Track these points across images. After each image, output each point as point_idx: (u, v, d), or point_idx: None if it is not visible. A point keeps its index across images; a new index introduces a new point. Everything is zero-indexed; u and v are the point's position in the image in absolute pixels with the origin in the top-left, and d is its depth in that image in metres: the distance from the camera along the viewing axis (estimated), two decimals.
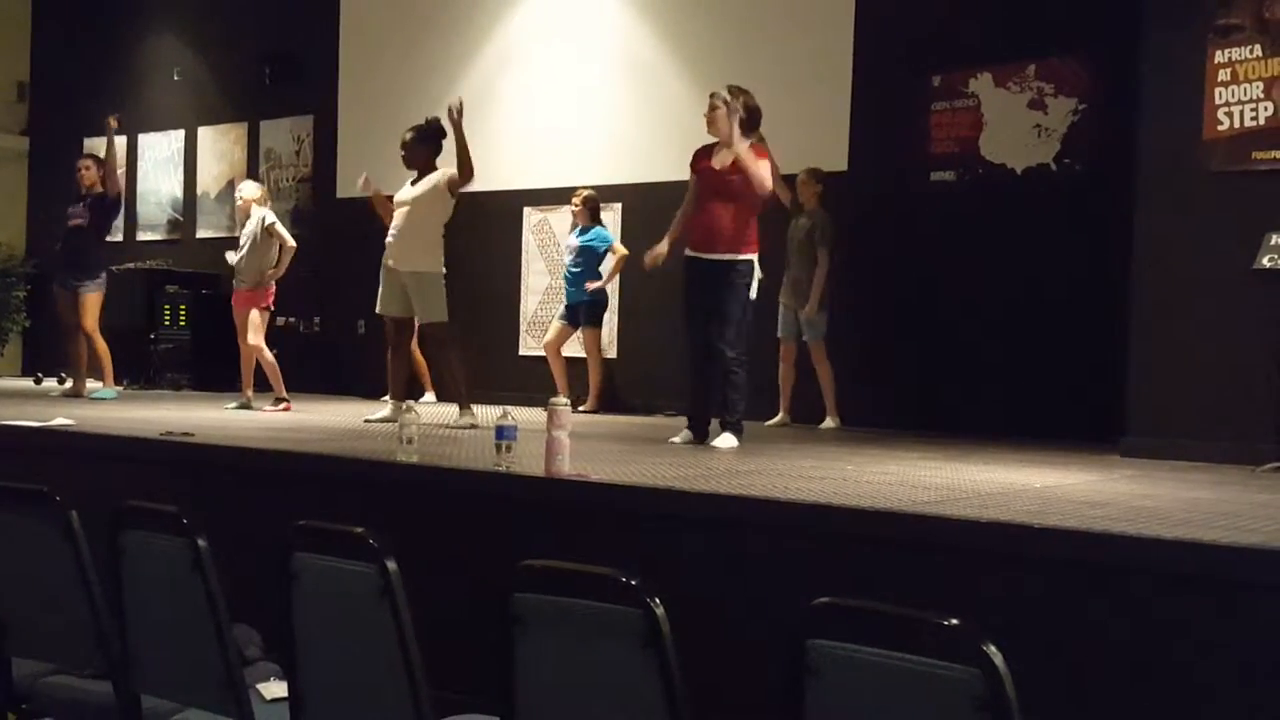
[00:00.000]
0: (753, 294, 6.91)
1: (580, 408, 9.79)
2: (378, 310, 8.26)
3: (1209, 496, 4.91)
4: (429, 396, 10.80)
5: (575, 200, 10.32)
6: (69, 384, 10.51)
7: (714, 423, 6.96)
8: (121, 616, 3.22)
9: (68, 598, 3.28)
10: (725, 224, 6.82)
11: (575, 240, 10.28)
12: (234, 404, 9.14)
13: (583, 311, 10.22)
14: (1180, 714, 3.25)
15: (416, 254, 7.95)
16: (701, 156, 7.05)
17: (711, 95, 6.99)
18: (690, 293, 7.00)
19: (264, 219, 9.25)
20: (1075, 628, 3.40)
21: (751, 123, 6.96)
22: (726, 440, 6.76)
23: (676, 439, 6.95)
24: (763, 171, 6.79)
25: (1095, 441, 7.47)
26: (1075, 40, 8.88)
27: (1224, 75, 7.07)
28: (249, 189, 9.66)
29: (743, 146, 6.81)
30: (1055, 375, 8.67)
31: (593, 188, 10.42)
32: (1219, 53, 7.09)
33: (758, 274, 6.91)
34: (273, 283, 9.28)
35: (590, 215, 10.26)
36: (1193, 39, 7.16)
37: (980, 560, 3.60)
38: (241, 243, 9.41)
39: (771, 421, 9.16)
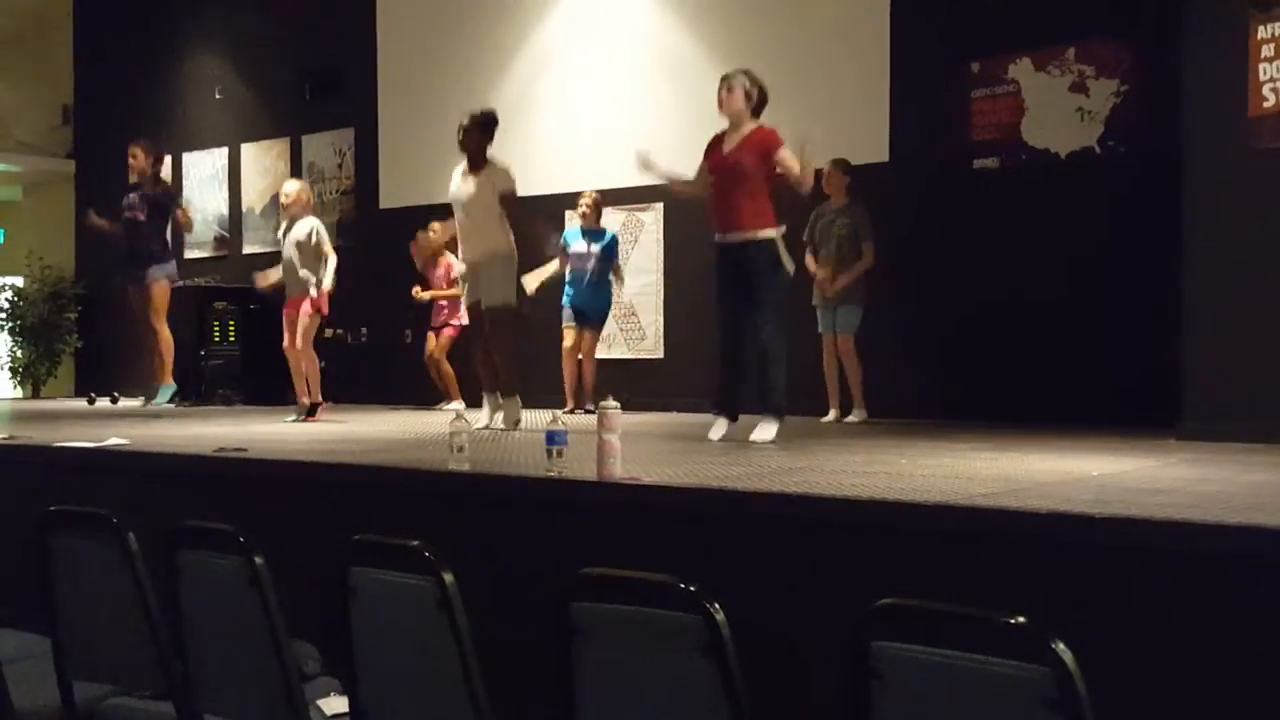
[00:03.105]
0: (788, 266, 6.94)
1: (587, 408, 9.78)
2: (465, 302, 8.44)
3: (1274, 479, 4.83)
4: (457, 404, 10.83)
5: (585, 202, 10.23)
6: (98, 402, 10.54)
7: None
8: (181, 636, 3.24)
9: (127, 619, 3.29)
10: (742, 205, 6.86)
11: (595, 247, 10.18)
12: (291, 417, 9.14)
13: (592, 315, 10.19)
14: (1260, 707, 3.19)
15: (485, 238, 8.06)
16: (712, 146, 7.09)
17: (725, 76, 7.05)
18: (720, 278, 7.05)
19: (313, 232, 9.10)
20: (1144, 620, 3.35)
21: (761, 103, 7.01)
22: (764, 430, 6.77)
23: (714, 435, 6.93)
24: (800, 170, 6.84)
25: (1149, 426, 7.37)
26: (1114, 22, 8.79)
27: (1267, 51, 6.97)
28: (292, 186, 9.42)
29: (786, 154, 6.83)
30: (1106, 360, 8.58)
31: (632, 189, 10.40)
32: (1261, 28, 6.99)
33: (784, 250, 6.90)
34: (326, 287, 9.14)
35: (599, 217, 10.25)
36: (1234, 15, 7.07)
37: (1044, 552, 3.55)
38: (285, 251, 9.18)
39: (826, 419, 9.10)
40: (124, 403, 11.37)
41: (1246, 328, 6.96)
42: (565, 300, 10.31)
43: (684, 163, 7.37)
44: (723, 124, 7.09)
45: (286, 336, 9.11)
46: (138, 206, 10.01)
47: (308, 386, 9.10)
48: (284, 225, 9.26)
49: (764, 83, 7.05)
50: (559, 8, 11.82)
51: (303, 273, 9.00)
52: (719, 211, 7.00)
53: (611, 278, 10.24)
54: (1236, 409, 6.89)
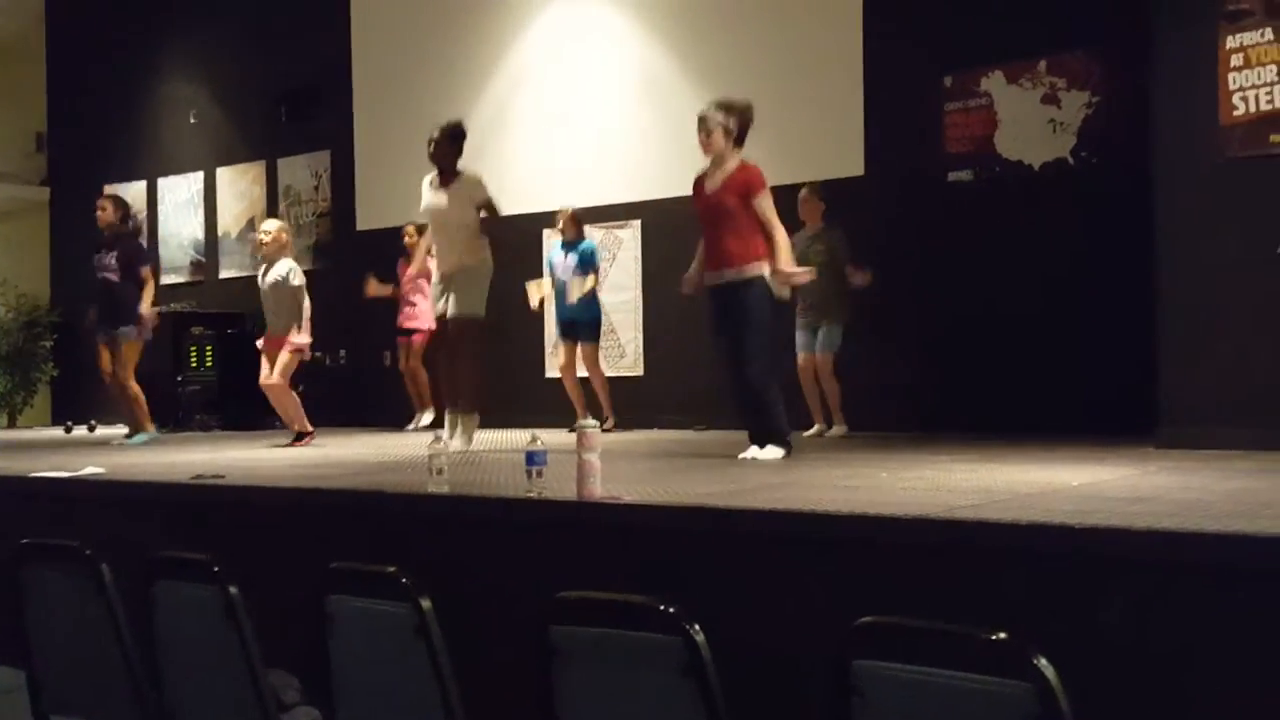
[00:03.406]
0: (781, 295, 6.88)
1: (604, 428, 9.73)
2: (435, 312, 8.39)
3: (1252, 486, 4.83)
4: (428, 415, 10.82)
5: (561, 219, 10.20)
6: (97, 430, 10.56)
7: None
8: (156, 668, 3.21)
9: (102, 652, 3.26)
10: (729, 245, 6.80)
11: (571, 260, 10.15)
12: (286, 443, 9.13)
13: (581, 328, 10.14)
14: (1239, 716, 3.18)
15: (464, 253, 8.08)
16: (697, 185, 7.04)
17: (701, 119, 6.90)
18: (712, 313, 6.99)
19: (290, 275, 9.09)
20: (1126, 630, 3.34)
21: (742, 130, 6.90)
22: (770, 451, 6.71)
23: (741, 455, 6.81)
24: (778, 228, 6.79)
25: (1127, 435, 7.39)
26: (1084, 34, 8.84)
27: (1236, 60, 7.01)
28: (270, 225, 9.43)
29: (766, 205, 6.77)
30: (1083, 369, 8.60)
31: (611, 206, 10.40)
32: (1230, 38, 7.03)
33: (774, 284, 6.82)
34: (305, 340, 9.15)
35: (578, 229, 10.21)
36: (1203, 26, 7.11)
37: (1026, 564, 3.54)
38: (264, 290, 9.20)
39: (809, 432, 9.11)
40: (102, 430, 11.29)
41: (1221, 335, 7.00)
42: (557, 315, 10.29)
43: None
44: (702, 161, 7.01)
45: (264, 371, 9.12)
46: (111, 269, 10.06)
47: (293, 418, 9.10)
48: (262, 265, 9.29)
49: (742, 106, 6.90)
50: (535, 27, 11.83)
51: (282, 317, 9.08)
52: (709, 251, 6.94)
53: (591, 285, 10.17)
54: (1213, 416, 6.91)
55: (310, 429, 9.12)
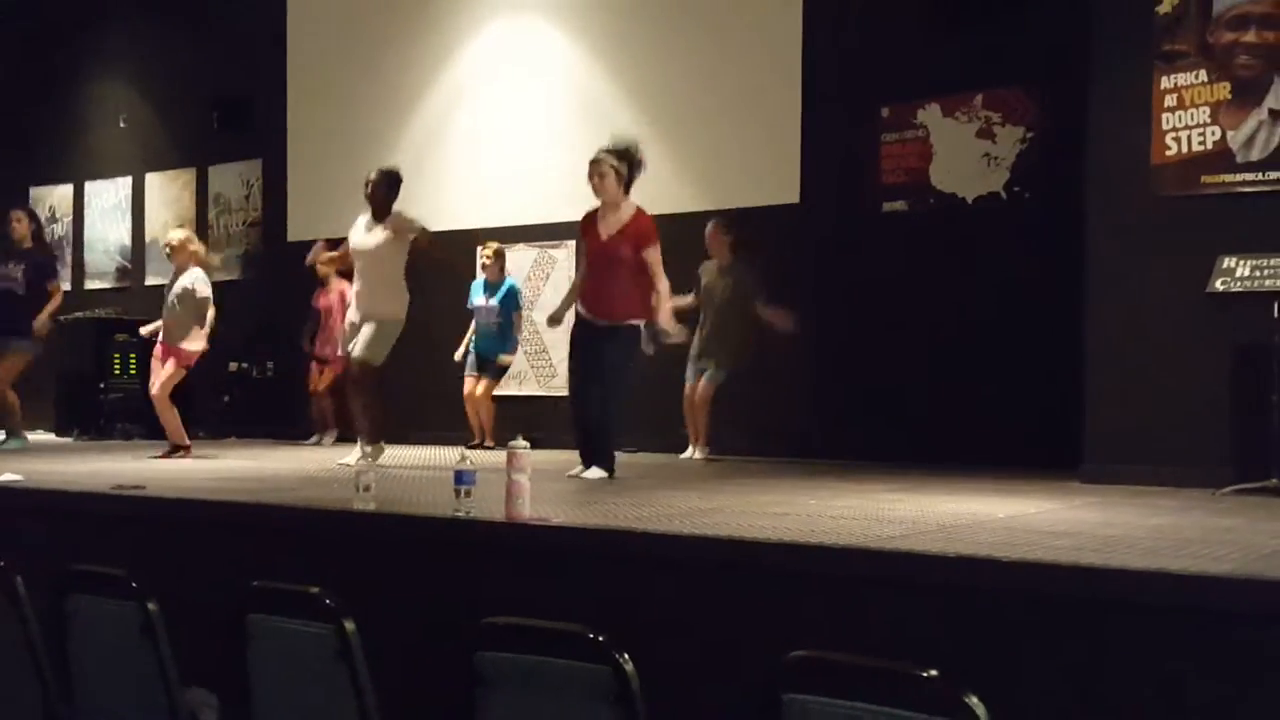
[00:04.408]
0: (647, 350, 7.20)
1: (488, 444, 9.93)
2: (349, 353, 8.29)
3: (1174, 523, 4.88)
4: (328, 439, 10.82)
5: (486, 254, 10.30)
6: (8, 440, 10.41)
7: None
8: (69, 684, 3.13)
9: (12, 666, 3.18)
10: (615, 292, 6.97)
11: (493, 301, 10.26)
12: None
13: (492, 366, 10.24)
14: None
15: (382, 302, 8.05)
16: (587, 223, 7.16)
17: (594, 161, 7.06)
18: (576, 351, 7.16)
19: (196, 286, 9.00)
20: (1049, 664, 3.35)
21: (633, 175, 7.07)
22: (594, 472, 6.94)
23: (575, 471, 7.03)
24: (662, 281, 7.03)
25: (1052, 469, 7.46)
26: (1021, 70, 8.92)
27: (1170, 101, 7.12)
28: (175, 235, 9.38)
29: (654, 258, 6.99)
30: (1010, 403, 8.66)
31: (543, 225, 10.38)
32: (1165, 78, 7.14)
33: (645, 336, 7.10)
34: (199, 347, 9.05)
35: (500, 268, 10.30)
36: (1138, 66, 7.21)
37: (952, 596, 3.55)
38: (168, 298, 9.11)
39: (684, 455, 9.20)
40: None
41: (1147, 373, 7.08)
42: (471, 348, 10.39)
43: (594, 198, 7.28)
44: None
45: (152, 380, 9.06)
46: (15, 280, 9.96)
47: (171, 430, 8.99)
48: (172, 272, 9.23)
49: (634, 153, 7.06)
50: (472, 44, 11.77)
51: (180, 327, 9.00)
52: (591, 292, 7.08)
53: (513, 330, 10.29)
54: (1138, 453, 6.99)
55: (187, 443, 8.98)
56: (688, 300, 8.82)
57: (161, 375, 8.95)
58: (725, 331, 9.11)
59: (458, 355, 10.47)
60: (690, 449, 9.31)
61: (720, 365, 9.12)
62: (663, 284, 7.00)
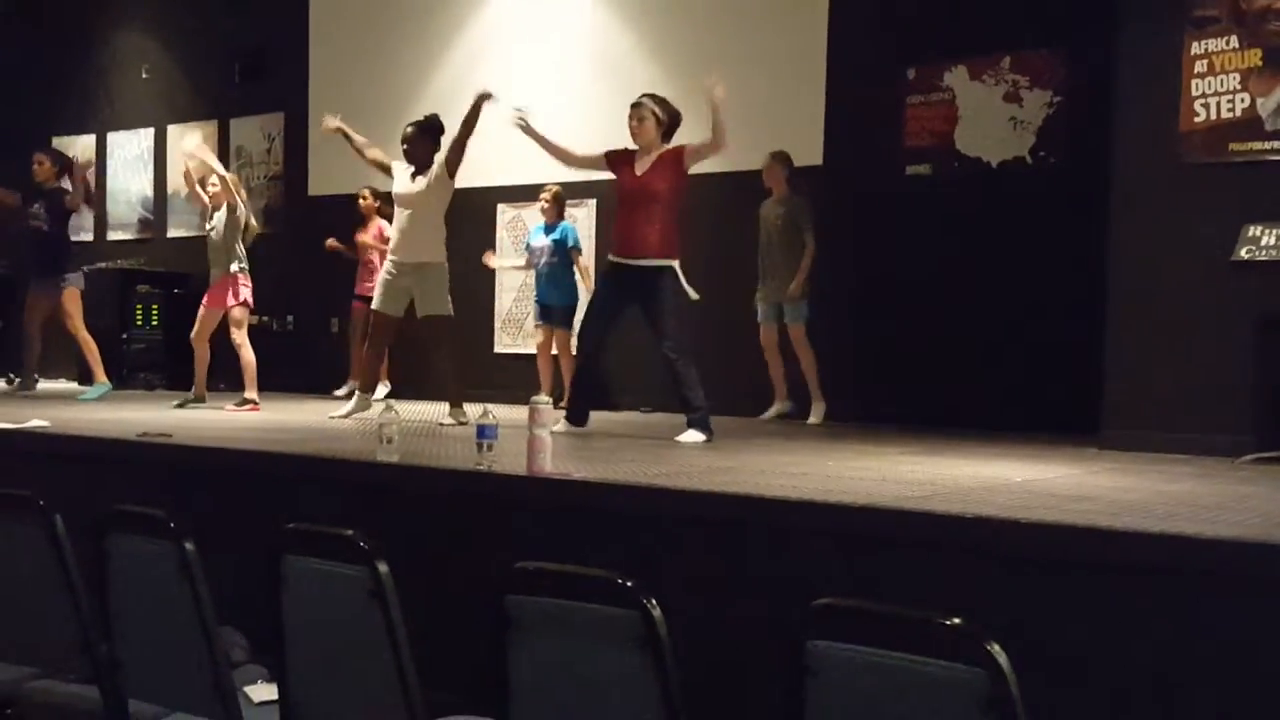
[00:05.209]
0: (691, 295, 7.07)
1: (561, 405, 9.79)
2: (374, 307, 8.37)
3: (1191, 489, 4.91)
4: (383, 389, 10.84)
5: (545, 197, 10.24)
6: (17, 383, 10.58)
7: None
8: (107, 621, 3.19)
9: (53, 602, 3.25)
10: (649, 232, 6.99)
11: (545, 240, 10.20)
12: (178, 402, 9.16)
13: (558, 313, 10.18)
14: (1164, 711, 3.25)
15: (424, 245, 8.08)
16: (621, 161, 7.20)
17: (635, 105, 7.17)
18: (606, 294, 7.23)
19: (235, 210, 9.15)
20: (1061, 625, 3.40)
21: (671, 128, 7.16)
22: (691, 435, 6.85)
23: (559, 427, 6.91)
24: (715, 134, 6.96)
25: (1073, 434, 7.48)
26: (1050, 32, 8.89)
27: (1200, 67, 7.09)
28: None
29: (695, 146, 7.04)
30: (1032, 367, 8.68)
31: (565, 185, 10.38)
32: (1195, 44, 7.11)
33: (683, 278, 7.06)
34: (246, 276, 9.12)
35: (559, 211, 10.24)
36: (1169, 30, 7.17)
37: (969, 557, 3.59)
38: (210, 228, 9.26)
39: (769, 413, 9.17)
40: (45, 385, 11.18)
41: (1169, 339, 7.08)
42: (536, 298, 10.36)
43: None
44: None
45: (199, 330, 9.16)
46: (41, 217, 10.09)
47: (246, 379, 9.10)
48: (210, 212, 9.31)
49: (671, 106, 7.17)
50: (495, 1, 11.76)
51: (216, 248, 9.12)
52: (624, 233, 7.11)
53: (575, 269, 10.21)
54: (1157, 420, 7.01)
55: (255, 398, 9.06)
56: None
57: (231, 320, 9.03)
58: (784, 263, 9.12)
59: (490, 260, 10.58)
60: (776, 405, 9.25)
61: (790, 299, 9.09)
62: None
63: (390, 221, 8.79)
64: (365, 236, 11.11)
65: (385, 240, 10.19)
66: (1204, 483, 5.23)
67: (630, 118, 7.13)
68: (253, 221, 9.34)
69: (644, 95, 7.24)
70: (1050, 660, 3.30)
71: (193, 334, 9.16)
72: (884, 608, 2.14)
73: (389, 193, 8.61)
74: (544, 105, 11.23)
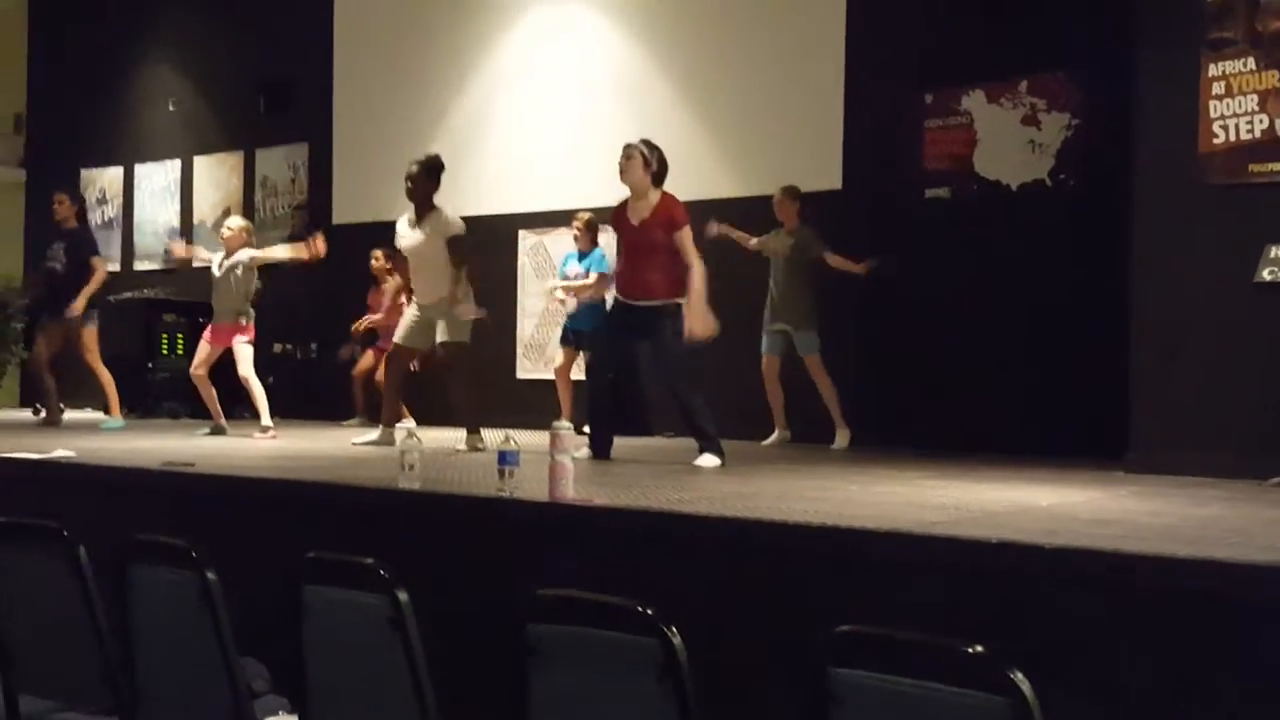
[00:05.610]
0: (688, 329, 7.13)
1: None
2: (395, 339, 8.43)
3: (1219, 513, 4.88)
4: (409, 422, 10.85)
5: (577, 225, 10.18)
6: (43, 415, 10.67)
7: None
8: (129, 651, 3.20)
9: (75, 633, 3.25)
10: (653, 277, 7.04)
11: (579, 267, 10.15)
12: (207, 430, 9.23)
13: (586, 336, 10.15)
14: None
15: (439, 286, 8.09)
16: (620, 215, 7.28)
17: (626, 146, 7.19)
18: (612, 333, 7.36)
19: (249, 256, 9.25)
20: (1088, 650, 3.37)
21: (661, 176, 7.16)
22: (706, 459, 6.86)
23: (582, 454, 7.01)
24: (695, 262, 7.01)
25: (1097, 457, 7.44)
26: (1067, 56, 8.90)
27: (1218, 88, 7.07)
28: (237, 221, 9.70)
29: (686, 239, 7.01)
30: (1055, 391, 8.65)
31: (588, 210, 10.40)
32: (1212, 65, 7.09)
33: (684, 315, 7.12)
34: (251, 319, 9.22)
35: (592, 239, 10.21)
36: (1186, 52, 7.16)
37: (995, 582, 3.57)
38: (217, 275, 9.30)
39: (768, 441, 9.15)
40: (71, 415, 11.24)
41: (1193, 362, 7.04)
42: (565, 322, 10.28)
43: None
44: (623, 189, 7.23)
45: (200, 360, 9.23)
46: (58, 259, 10.23)
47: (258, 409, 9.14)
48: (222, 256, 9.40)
49: (662, 152, 7.17)
50: (517, 27, 11.83)
51: (223, 298, 9.21)
52: (628, 278, 7.17)
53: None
54: (1183, 442, 6.96)
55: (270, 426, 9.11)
56: (750, 242, 9.30)
57: (239, 358, 9.10)
58: (793, 292, 9.12)
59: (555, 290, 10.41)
60: (776, 433, 9.25)
61: (799, 328, 9.09)
62: (697, 267, 6.98)
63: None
64: (377, 316, 11.14)
65: (399, 309, 10.24)
66: (1231, 506, 5.19)
67: (620, 158, 7.18)
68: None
69: (641, 140, 7.24)
70: (1075, 686, 3.28)
71: (192, 368, 9.29)
72: (906, 635, 2.13)
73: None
74: (561, 131, 11.34)
